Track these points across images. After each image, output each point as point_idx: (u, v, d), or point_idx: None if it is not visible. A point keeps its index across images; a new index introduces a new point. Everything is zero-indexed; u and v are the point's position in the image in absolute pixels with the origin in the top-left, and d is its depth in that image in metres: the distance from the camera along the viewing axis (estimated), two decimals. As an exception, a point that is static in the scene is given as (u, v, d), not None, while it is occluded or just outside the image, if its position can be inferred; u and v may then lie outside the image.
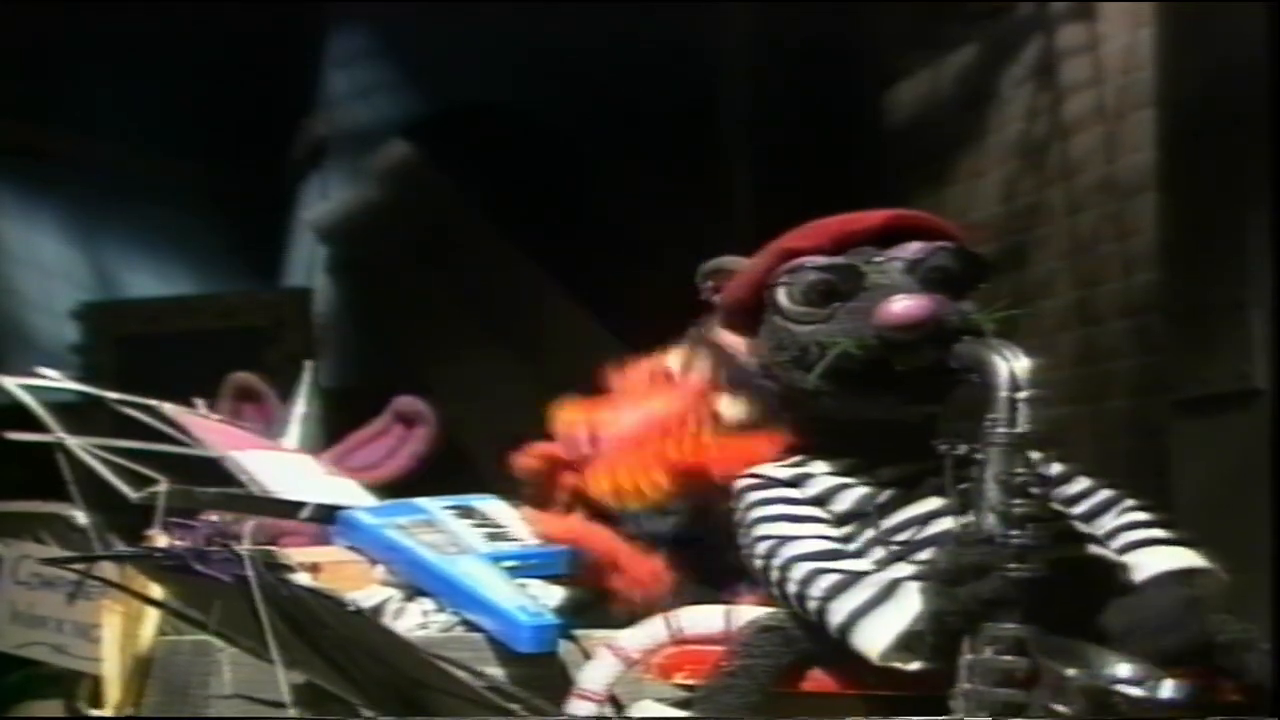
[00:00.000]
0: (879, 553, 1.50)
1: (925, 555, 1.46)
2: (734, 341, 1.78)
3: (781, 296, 1.55)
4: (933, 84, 4.16)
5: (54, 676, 2.30)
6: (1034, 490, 1.39)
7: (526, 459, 1.90)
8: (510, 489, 1.97)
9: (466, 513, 1.89)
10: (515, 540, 1.85)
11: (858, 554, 1.50)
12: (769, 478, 1.56)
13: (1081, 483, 1.59)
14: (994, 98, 3.91)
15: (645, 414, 1.84)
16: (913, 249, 1.54)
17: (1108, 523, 1.56)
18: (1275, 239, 2.88)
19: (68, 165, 5.36)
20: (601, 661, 1.62)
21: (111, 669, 2.00)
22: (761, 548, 1.53)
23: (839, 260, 1.54)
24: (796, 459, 1.58)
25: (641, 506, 1.82)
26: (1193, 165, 3.21)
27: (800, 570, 1.49)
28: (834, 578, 1.46)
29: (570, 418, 1.89)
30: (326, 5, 5.43)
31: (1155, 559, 1.53)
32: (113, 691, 1.99)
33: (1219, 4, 3.11)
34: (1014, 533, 1.37)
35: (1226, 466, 3.01)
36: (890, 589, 1.43)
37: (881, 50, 4.33)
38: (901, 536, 1.50)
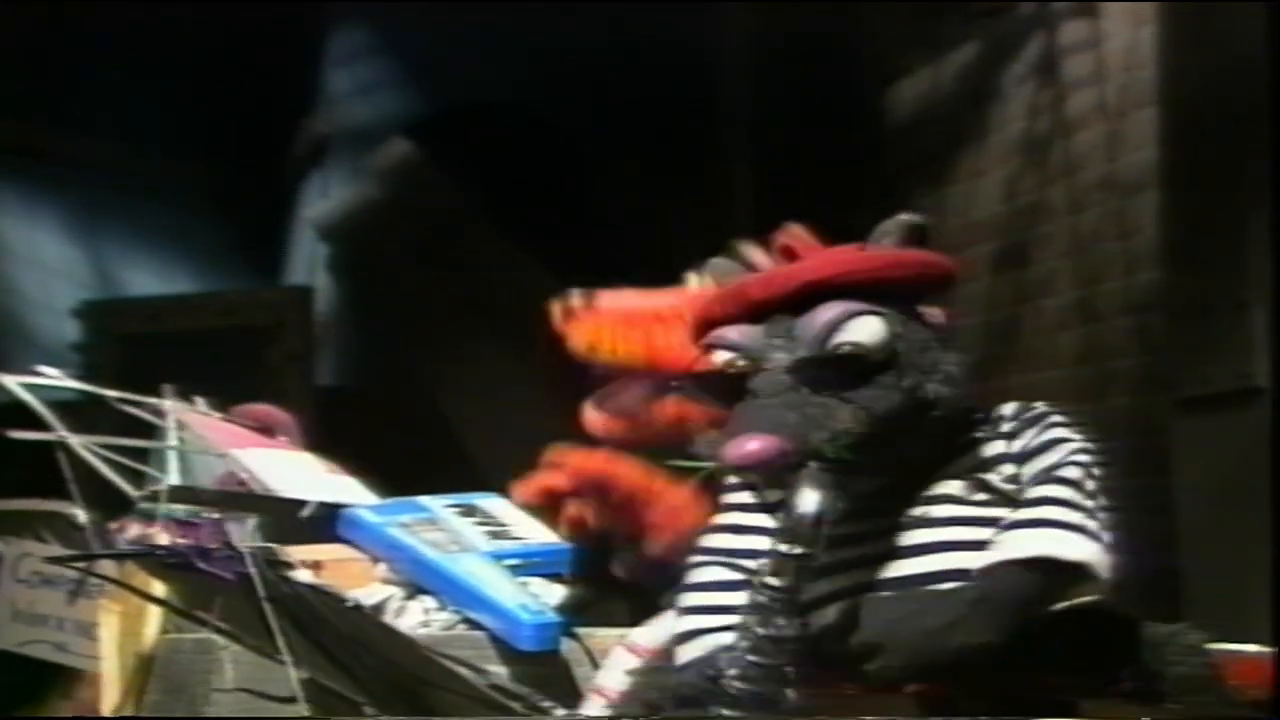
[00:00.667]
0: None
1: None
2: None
3: (700, 380, 1.57)
4: (934, 82, 4.16)
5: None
6: (775, 648, 1.38)
7: (527, 491, 1.89)
8: (511, 487, 1.97)
9: (468, 511, 1.89)
10: (517, 538, 1.85)
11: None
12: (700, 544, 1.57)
13: (1034, 465, 1.50)
14: (995, 96, 3.91)
15: (645, 297, 1.84)
16: (815, 327, 1.46)
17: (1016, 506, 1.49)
18: (1276, 238, 2.88)
19: (68, 164, 5.36)
20: (617, 659, 1.62)
21: (110, 668, 1.99)
22: (691, 556, 1.55)
23: (738, 357, 1.48)
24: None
25: (608, 359, 1.82)
26: (1194, 163, 3.21)
27: (681, 600, 1.52)
28: (686, 624, 1.50)
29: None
30: (327, 3, 5.43)
31: (1000, 546, 1.44)
32: (111, 691, 1.99)
33: (1221, 2, 3.11)
34: (735, 684, 1.38)
35: (1228, 465, 3.01)
36: (704, 661, 1.44)
37: (882, 49, 4.34)
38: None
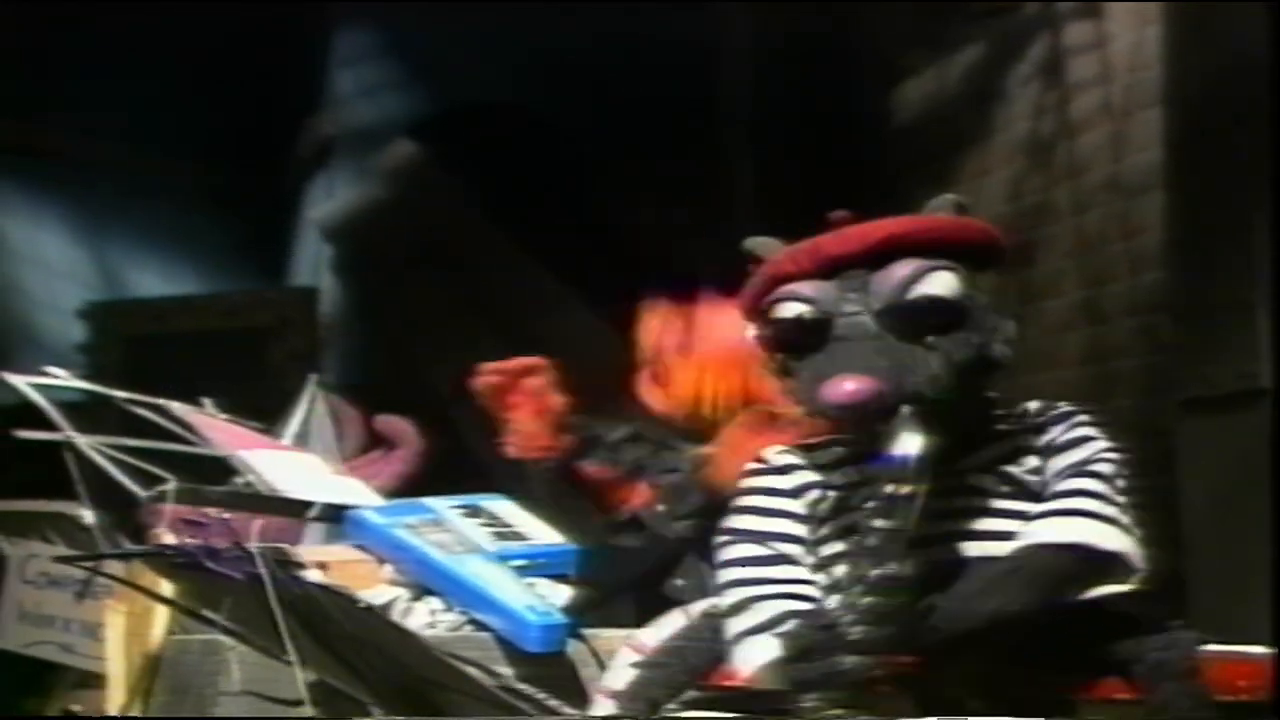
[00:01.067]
0: (810, 559, 1.54)
1: (839, 569, 1.49)
2: None
3: (767, 330, 1.58)
4: (937, 82, 4.16)
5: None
6: (892, 589, 1.41)
7: (481, 376, 1.91)
8: (516, 488, 1.97)
9: (474, 512, 1.89)
10: (523, 540, 1.86)
11: (816, 546, 1.53)
12: (766, 463, 1.60)
13: (1063, 459, 1.54)
14: (999, 96, 3.91)
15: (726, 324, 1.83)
16: (893, 281, 1.52)
17: (1046, 497, 1.53)
18: (1276, 239, 2.88)
19: (74, 165, 5.36)
20: (624, 659, 1.63)
21: (116, 668, 2.00)
22: (718, 539, 1.58)
23: (812, 310, 1.53)
24: (801, 444, 1.60)
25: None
26: (1199, 164, 3.21)
27: (725, 575, 1.55)
28: (738, 594, 1.52)
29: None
30: (332, 5, 5.43)
31: (1035, 530, 1.49)
32: (117, 691, 1.99)
33: (1226, 3, 3.11)
34: (856, 628, 1.40)
35: (1232, 466, 3.01)
36: (772, 622, 1.48)
37: (886, 49, 4.33)
38: (825, 549, 1.53)
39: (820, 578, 1.51)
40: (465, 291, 5.07)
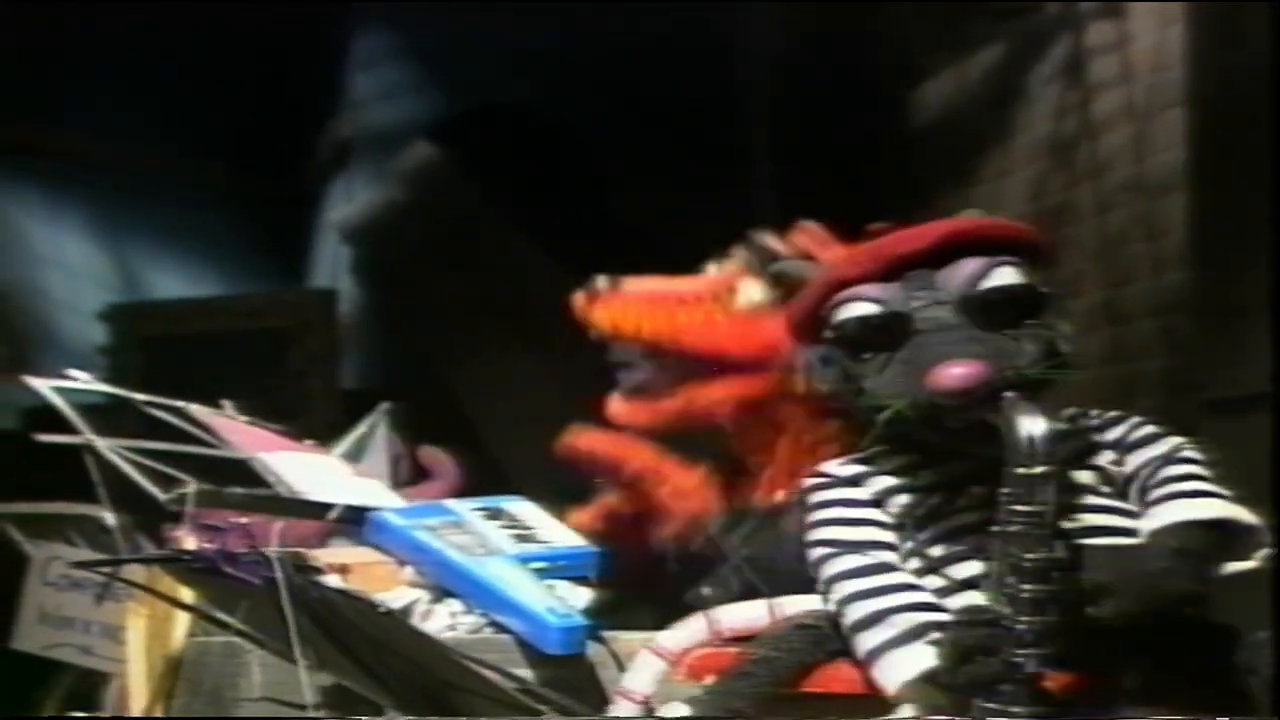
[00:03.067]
0: (915, 563, 1.52)
1: (958, 570, 1.48)
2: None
3: (834, 336, 1.57)
4: (960, 82, 4.15)
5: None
6: (1050, 573, 1.39)
7: (570, 446, 1.89)
8: (537, 489, 1.97)
9: (494, 514, 1.89)
10: (543, 542, 1.85)
11: (917, 551, 1.53)
12: (832, 476, 1.59)
13: (1146, 452, 1.55)
14: (1022, 96, 3.90)
15: (670, 281, 1.86)
16: (963, 276, 1.53)
17: (1151, 485, 1.54)
18: (1275, 240, 2.86)
19: (94, 167, 5.37)
20: (643, 662, 1.62)
21: (137, 671, 2.00)
22: (815, 554, 1.56)
23: (884, 309, 1.53)
24: (858, 456, 1.59)
25: (632, 340, 1.83)
26: (1222, 165, 3.19)
27: (841, 590, 1.52)
28: (868, 608, 1.49)
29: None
30: (352, 6, 5.44)
31: (1172, 510, 1.50)
32: (139, 694, 1.99)
33: (1249, 2, 3.09)
34: (1022, 618, 1.38)
35: (1257, 466, 2.99)
36: (914, 633, 1.46)
37: (908, 48, 4.32)
38: (936, 550, 1.52)
39: (931, 580, 1.49)
40: (485, 293, 5.07)
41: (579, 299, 1.91)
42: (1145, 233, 3.52)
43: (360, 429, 2.41)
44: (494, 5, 4.87)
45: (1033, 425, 1.41)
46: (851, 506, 1.56)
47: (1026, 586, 1.38)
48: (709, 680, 1.57)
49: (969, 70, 4.10)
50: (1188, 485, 1.52)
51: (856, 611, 1.50)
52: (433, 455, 2.38)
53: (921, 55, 4.27)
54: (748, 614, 1.63)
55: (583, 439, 1.85)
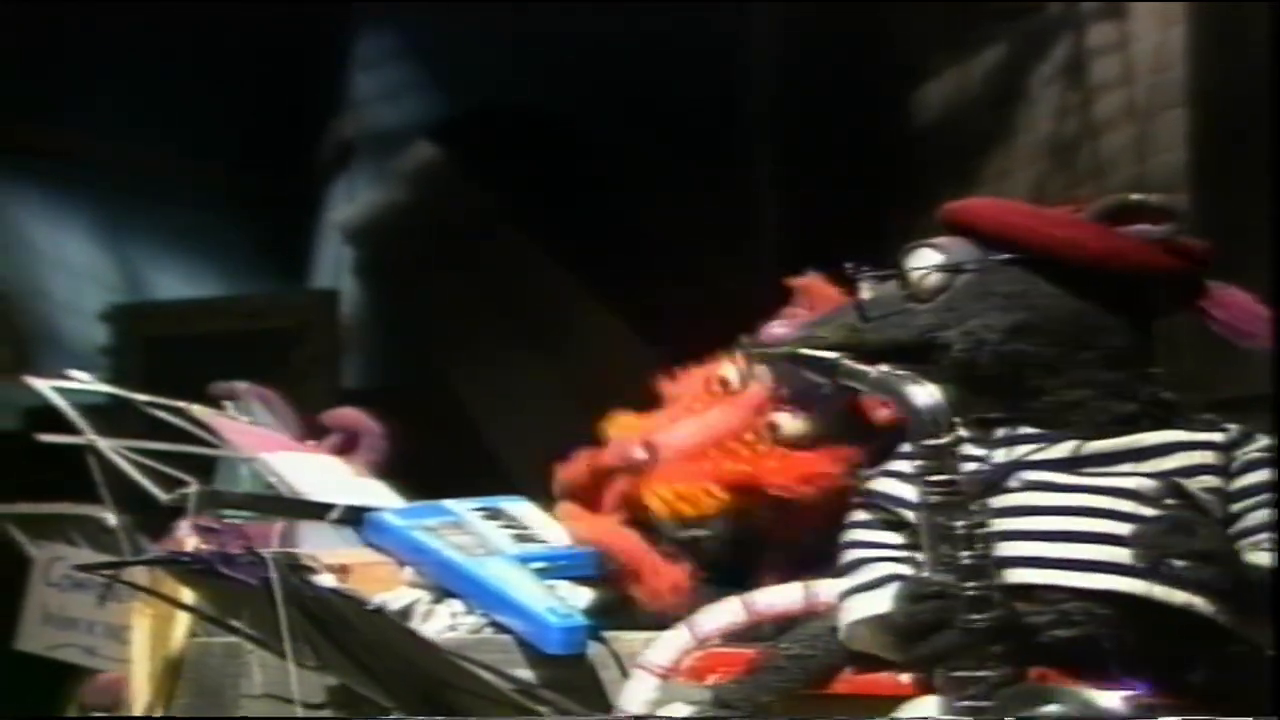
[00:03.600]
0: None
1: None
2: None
3: None
4: (961, 83, 4.14)
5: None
6: (979, 536, 1.41)
7: (573, 467, 1.89)
8: (537, 490, 1.97)
9: (494, 514, 1.89)
10: (543, 542, 1.85)
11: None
12: (863, 489, 1.62)
13: (1255, 498, 1.54)
14: (1023, 97, 3.89)
15: (703, 425, 1.85)
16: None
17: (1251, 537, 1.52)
18: (1275, 240, 2.86)
19: (95, 168, 5.37)
20: (638, 681, 1.62)
21: (140, 671, 2.00)
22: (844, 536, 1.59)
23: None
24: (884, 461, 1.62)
25: (695, 518, 1.82)
26: (1223, 165, 3.19)
27: (844, 559, 1.57)
28: (850, 556, 1.54)
29: (624, 425, 1.89)
30: (353, 7, 5.44)
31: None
32: (142, 693, 1.99)
33: (1251, 3, 3.09)
34: (967, 584, 1.40)
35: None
36: (875, 582, 1.50)
37: (910, 49, 4.32)
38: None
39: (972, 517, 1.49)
40: (487, 293, 5.07)
41: (612, 487, 1.87)
42: (1147, 233, 3.52)
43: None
44: (494, 5, 4.87)
45: (924, 396, 1.42)
46: (869, 509, 1.59)
47: (962, 553, 1.40)
48: (713, 680, 1.57)
49: (970, 70, 4.10)
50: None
51: (842, 562, 1.55)
52: (347, 415, 2.33)
53: (923, 55, 4.27)
54: (783, 596, 1.63)
55: (575, 521, 1.85)
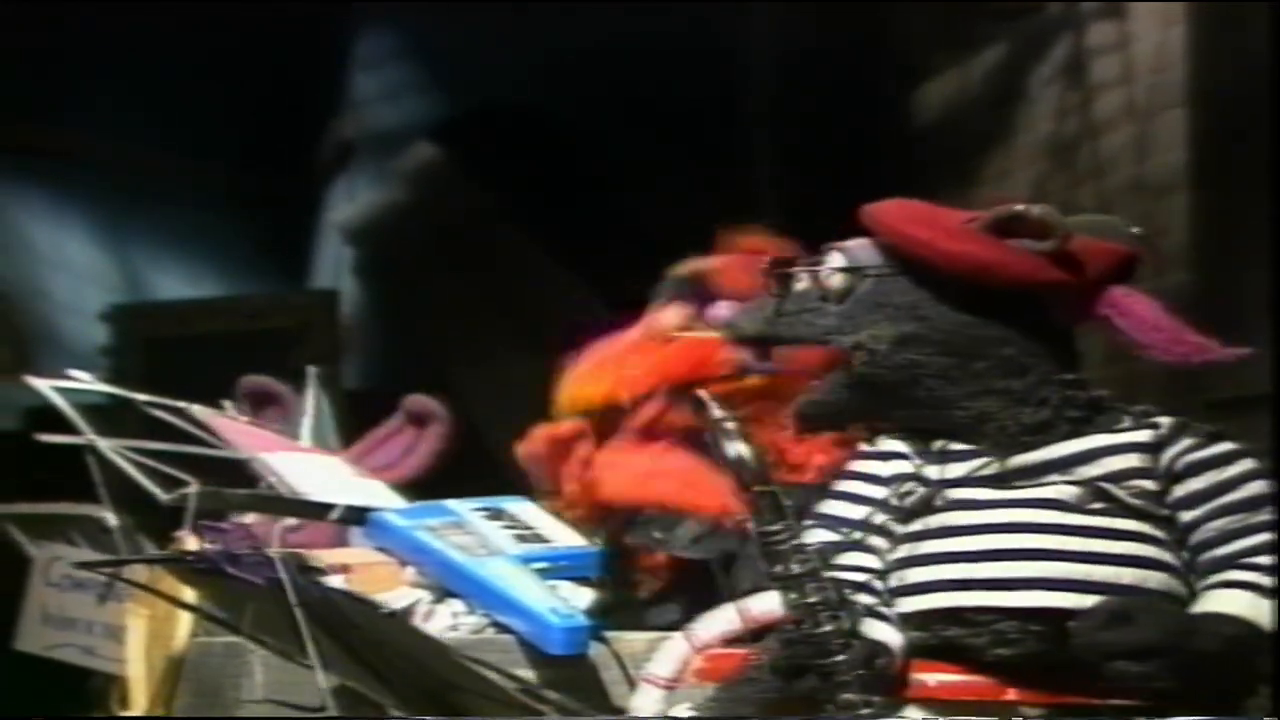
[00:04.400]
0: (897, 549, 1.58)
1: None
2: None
3: None
4: (961, 82, 4.15)
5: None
6: (817, 574, 1.43)
7: (528, 444, 1.92)
8: (537, 491, 1.97)
9: (496, 515, 1.89)
10: (545, 542, 1.85)
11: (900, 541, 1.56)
12: (868, 449, 1.65)
13: (1216, 501, 1.53)
14: (1023, 97, 3.90)
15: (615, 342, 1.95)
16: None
17: (1214, 552, 1.51)
18: (1275, 240, 2.86)
19: (96, 168, 5.38)
20: (673, 648, 1.63)
21: (137, 671, 2.00)
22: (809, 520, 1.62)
23: None
24: (907, 432, 1.64)
25: (610, 403, 1.89)
26: (1224, 165, 3.19)
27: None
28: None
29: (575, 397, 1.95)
30: (353, 7, 5.44)
31: (1235, 601, 1.48)
32: (139, 694, 1.99)
33: (1251, 3, 3.09)
34: (819, 623, 1.42)
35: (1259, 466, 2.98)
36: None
37: (909, 49, 4.32)
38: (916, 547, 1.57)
39: (891, 572, 1.51)
40: (487, 293, 5.07)
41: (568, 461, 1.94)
42: (1147, 233, 3.52)
43: (309, 406, 2.38)
44: (494, 5, 4.87)
45: (737, 448, 1.45)
46: (863, 481, 1.62)
47: (809, 598, 1.43)
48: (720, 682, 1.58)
49: (970, 70, 4.10)
50: (1238, 575, 1.48)
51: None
52: (421, 401, 2.37)
53: (923, 55, 4.27)
54: (719, 620, 1.63)
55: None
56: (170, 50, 5.04)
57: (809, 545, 1.45)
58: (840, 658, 1.42)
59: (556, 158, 5.03)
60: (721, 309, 1.90)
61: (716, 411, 1.48)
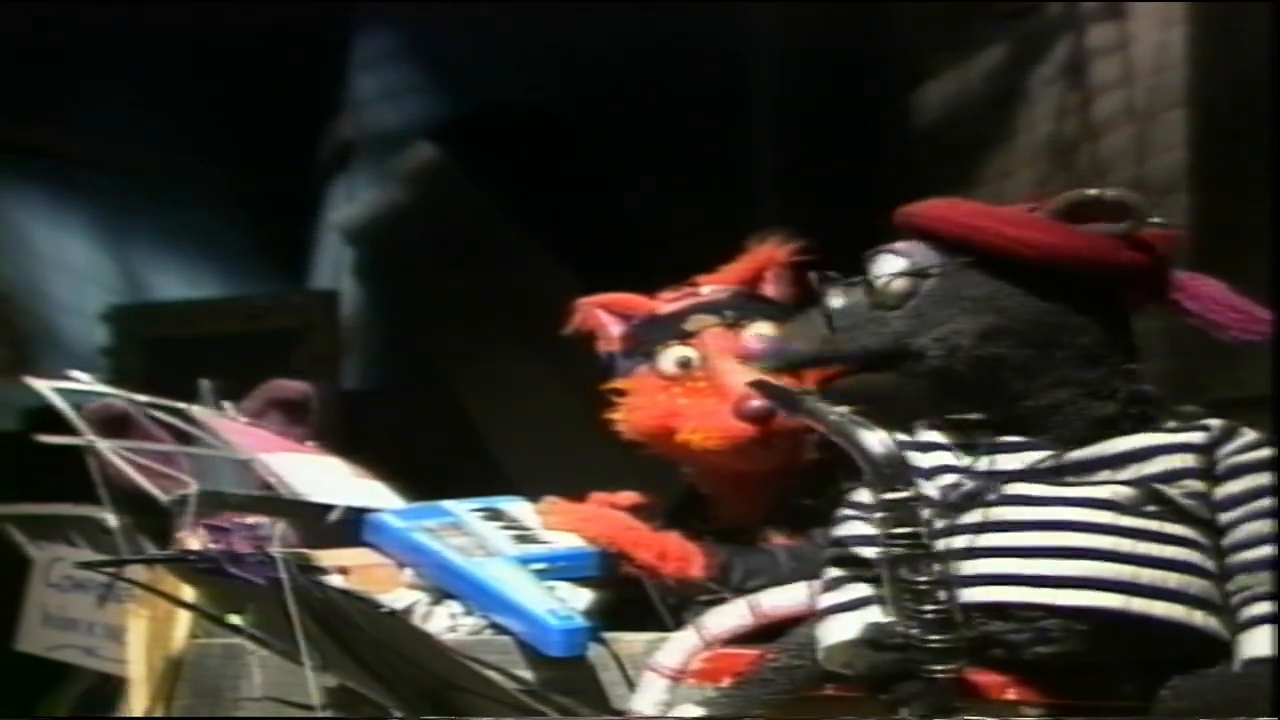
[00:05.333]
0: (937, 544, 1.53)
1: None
2: None
3: None
4: (961, 83, 4.15)
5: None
6: (941, 589, 1.40)
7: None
8: (537, 491, 1.97)
9: (494, 515, 1.89)
10: (543, 543, 1.85)
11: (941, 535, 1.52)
12: (909, 438, 1.61)
13: (1250, 514, 1.49)
14: (1023, 98, 3.89)
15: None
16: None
17: (1243, 555, 1.49)
18: (1275, 240, 2.86)
19: (96, 168, 5.37)
20: (648, 684, 1.62)
21: (137, 672, 2.00)
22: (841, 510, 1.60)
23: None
24: (947, 420, 1.61)
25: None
26: (1223, 166, 3.19)
27: (829, 551, 1.57)
28: (832, 573, 1.53)
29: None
30: (353, 7, 5.44)
31: (1254, 642, 1.46)
32: (139, 694, 1.99)
33: (1251, 3, 3.09)
34: (931, 637, 1.39)
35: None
36: (854, 604, 1.49)
37: (910, 49, 4.32)
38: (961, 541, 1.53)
39: (936, 568, 1.47)
40: (487, 294, 5.07)
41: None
42: (1147, 234, 3.52)
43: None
44: (494, 5, 4.87)
45: (878, 445, 1.41)
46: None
47: (926, 607, 1.39)
48: (725, 683, 1.57)
49: (970, 71, 4.10)
50: (1266, 608, 1.46)
51: (828, 572, 1.54)
52: (286, 386, 2.31)
53: (923, 56, 4.27)
54: (789, 597, 1.62)
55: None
56: (170, 50, 5.04)
57: (938, 554, 1.41)
58: (940, 669, 1.39)
59: (557, 158, 5.03)
60: (754, 343, 1.84)
61: (840, 409, 1.42)
